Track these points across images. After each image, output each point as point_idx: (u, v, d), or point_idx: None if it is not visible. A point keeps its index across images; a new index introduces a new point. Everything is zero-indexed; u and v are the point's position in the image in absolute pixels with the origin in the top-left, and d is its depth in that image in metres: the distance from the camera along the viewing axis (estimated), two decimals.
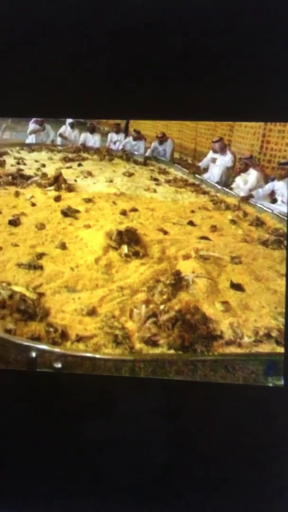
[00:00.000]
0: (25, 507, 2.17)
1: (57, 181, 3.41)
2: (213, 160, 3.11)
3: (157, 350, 2.06)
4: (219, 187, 3.19)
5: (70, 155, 3.78)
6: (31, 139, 3.79)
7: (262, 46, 2.17)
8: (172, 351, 2.05)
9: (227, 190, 3.12)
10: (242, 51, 2.20)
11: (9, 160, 3.87)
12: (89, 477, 2.16)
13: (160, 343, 2.07)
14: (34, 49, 2.29)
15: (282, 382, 2.04)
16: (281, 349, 2.10)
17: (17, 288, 2.31)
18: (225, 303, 2.30)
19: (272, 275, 2.48)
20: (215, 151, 3.01)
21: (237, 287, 2.41)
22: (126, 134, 3.30)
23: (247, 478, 2.08)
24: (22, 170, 3.72)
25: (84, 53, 2.27)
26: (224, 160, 3.02)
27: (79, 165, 3.72)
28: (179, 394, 2.09)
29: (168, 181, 3.51)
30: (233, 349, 2.11)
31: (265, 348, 2.12)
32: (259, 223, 2.87)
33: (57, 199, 3.26)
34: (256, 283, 2.46)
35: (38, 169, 3.72)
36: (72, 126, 3.48)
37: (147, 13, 2.21)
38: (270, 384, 2.05)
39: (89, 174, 3.62)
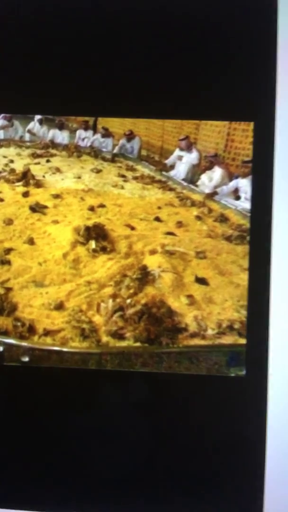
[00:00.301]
0: None
1: (25, 176, 3.40)
2: (180, 158, 3.14)
3: (124, 343, 2.09)
4: (185, 184, 3.20)
5: (38, 151, 3.75)
6: None
7: (227, 46, 2.21)
8: (138, 344, 2.08)
9: (192, 187, 3.14)
10: (208, 51, 2.23)
11: None
12: (58, 469, 2.18)
13: (126, 336, 2.10)
14: (2, 46, 2.30)
15: (244, 372, 2.10)
16: (243, 341, 2.15)
17: None
18: (190, 296, 2.34)
19: (235, 269, 2.51)
20: (181, 149, 3.03)
21: (201, 281, 2.45)
22: (95, 131, 3.31)
23: (210, 465, 2.13)
24: None
25: (53, 50, 2.29)
26: (190, 158, 3.05)
27: (48, 161, 3.70)
28: (145, 385, 2.13)
29: (135, 178, 3.51)
30: (197, 341, 2.15)
31: (228, 339, 2.16)
32: (223, 219, 2.89)
33: (25, 194, 3.25)
34: (220, 277, 2.49)
35: (6, 164, 3.68)
36: (40, 122, 3.48)
37: (115, 10, 2.24)
38: (233, 374, 2.10)
39: (58, 170, 3.60)
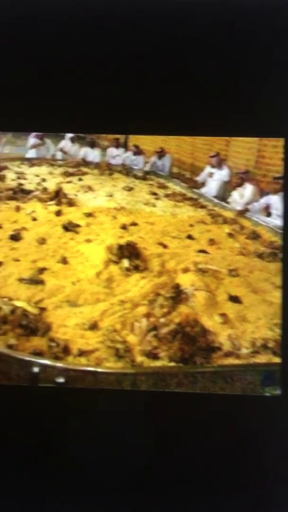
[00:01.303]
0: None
1: (58, 195, 3.43)
2: (210, 175, 3.16)
3: (158, 363, 2.08)
4: (216, 201, 3.22)
5: (70, 170, 3.79)
6: (31, 153, 3.81)
7: (258, 64, 2.21)
8: (172, 364, 2.07)
9: (224, 204, 3.16)
10: (238, 69, 2.24)
11: (10, 175, 3.88)
12: (89, 488, 2.18)
13: (161, 355, 2.09)
14: (34, 64, 2.32)
15: (279, 392, 2.08)
16: (277, 360, 2.13)
17: (18, 303, 2.31)
18: (223, 315, 2.33)
19: (268, 287, 2.51)
20: (212, 166, 3.05)
21: (234, 299, 2.45)
22: (126, 149, 3.34)
23: (245, 483, 2.12)
24: (22, 184, 3.73)
25: (84, 69, 2.31)
26: (221, 175, 3.07)
27: (80, 179, 3.73)
28: (180, 405, 2.12)
29: (167, 196, 3.54)
30: (231, 360, 2.13)
31: (262, 358, 2.15)
32: (255, 236, 2.90)
33: (58, 213, 3.28)
34: (253, 295, 2.49)
35: (38, 183, 3.73)
36: (72, 140, 3.52)
37: (145, 30, 2.25)
38: (268, 394, 2.08)
39: (90, 188, 3.63)
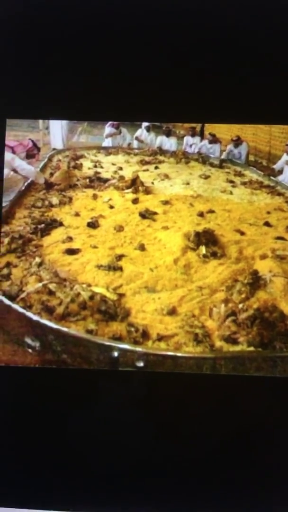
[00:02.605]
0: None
1: (135, 183, 3.44)
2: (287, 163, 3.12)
3: (237, 348, 2.09)
4: None
5: (146, 158, 3.78)
6: (107, 142, 3.83)
7: None
8: (251, 348, 2.08)
9: None
10: None
11: (86, 163, 3.91)
12: (170, 476, 2.19)
13: (239, 340, 2.10)
14: (110, 52, 2.34)
15: None
16: None
17: (97, 289, 2.35)
18: None
19: None
20: None
21: None
22: (202, 137, 3.33)
23: None
24: (99, 173, 3.75)
25: (161, 58, 2.32)
26: None
27: (156, 168, 3.72)
28: (258, 389, 2.12)
29: (243, 183, 3.52)
30: None
31: None
32: None
33: (135, 201, 3.29)
34: None
35: (115, 172, 3.75)
36: (148, 129, 3.51)
37: (226, 19, 2.25)
38: None
39: (166, 176, 3.63)
